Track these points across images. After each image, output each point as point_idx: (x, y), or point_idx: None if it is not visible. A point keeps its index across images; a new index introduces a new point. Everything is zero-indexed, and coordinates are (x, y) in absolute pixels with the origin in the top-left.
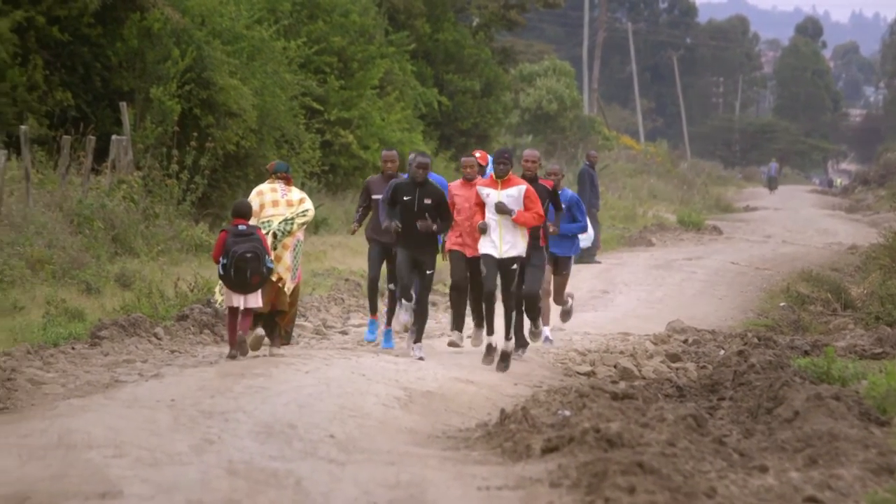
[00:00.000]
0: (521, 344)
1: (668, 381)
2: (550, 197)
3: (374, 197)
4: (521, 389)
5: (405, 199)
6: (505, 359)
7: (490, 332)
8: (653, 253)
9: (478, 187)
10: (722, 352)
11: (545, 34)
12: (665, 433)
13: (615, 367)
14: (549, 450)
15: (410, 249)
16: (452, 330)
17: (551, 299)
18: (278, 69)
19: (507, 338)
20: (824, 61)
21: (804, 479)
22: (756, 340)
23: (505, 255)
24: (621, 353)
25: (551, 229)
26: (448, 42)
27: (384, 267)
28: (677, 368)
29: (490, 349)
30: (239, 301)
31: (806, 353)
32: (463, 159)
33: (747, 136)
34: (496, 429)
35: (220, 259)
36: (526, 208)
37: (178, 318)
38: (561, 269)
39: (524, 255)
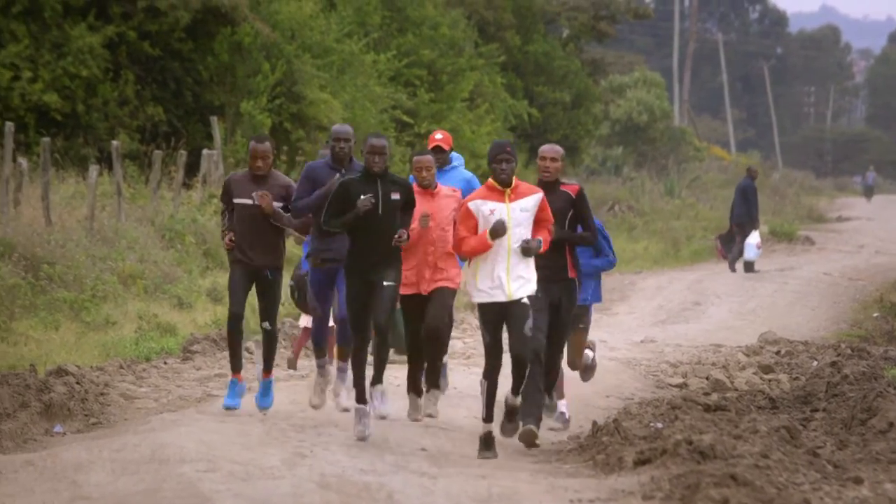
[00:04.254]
0: (534, 412)
1: (760, 392)
2: (576, 209)
3: (237, 201)
4: (613, 402)
5: (362, 198)
6: (512, 415)
7: (491, 418)
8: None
9: (472, 204)
10: (815, 363)
11: (635, 45)
12: (758, 445)
13: (707, 378)
14: (641, 462)
15: (364, 273)
16: (409, 392)
17: (564, 362)
18: (368, 82)
19: (515, 392)
20: None
21: None
22: (849, 351)
23: (516, 297)
24: (713, 364)
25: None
26: (538, 54)
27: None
28: (770, 380)
29: (490, 440)
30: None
31: None
32: (415, 157)
33: (839, 146)
34: (588, 441)
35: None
36: (538, 220)
37: None
38: (577, 321)
39: (534, 290)
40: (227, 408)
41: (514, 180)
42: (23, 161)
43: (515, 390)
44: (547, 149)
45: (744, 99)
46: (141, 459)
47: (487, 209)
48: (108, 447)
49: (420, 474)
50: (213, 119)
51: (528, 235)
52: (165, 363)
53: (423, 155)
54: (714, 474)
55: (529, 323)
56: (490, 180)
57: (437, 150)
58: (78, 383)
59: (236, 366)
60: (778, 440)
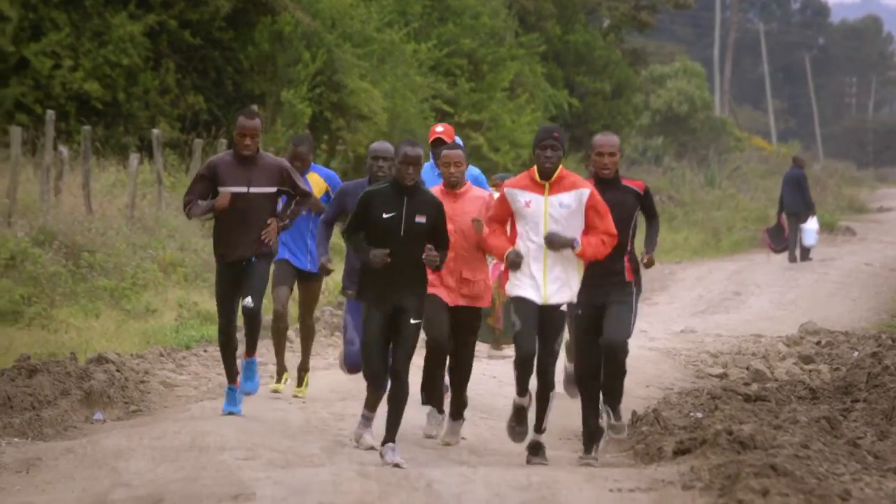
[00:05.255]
0: (595, 438)
1: (800, 383)
2: (643, 206)
3: (225, 189)
4: (653, 392)
5: (385, 216)
6: (537, 450)
7: (524, 391)
8: (785, 254)
9: (508, 190)
10: (856, 353)
11: (676, 35)
12: (798, 435)
13: (747, 368)
14: (681, 452)
15: (386, 297)
16: (426, 406)
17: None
18: (409, 72)
19: (538, 430)
20: None
21: None
22: (890, 342)
23: (552, 301)
24: (753, 354)
25: (645, 259)
26: (578, 43)
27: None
28: (810, 370)
29: (523, 413)
30: None
31: None
32: (444, 151)
33: (881, 137)
34: (628, 431)
35: None
36: (590, 227)
37: None
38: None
39: (576, 298)
40: (228, 413)
41: (561, 171)
42: (64, 149)
43: (538, 426)
44: (603, 141)
45: (785, 89)
46: (181, 447)
47: (523, 200)
48: (147, 435)
49: (459, 463)
50: (254, 108)
51: (577, 245)
52: (205, 351)
53: (453, 149)
54: (754, 464)
55: (562, 337)
56: (533, 168)
57: (439, 143)
58: (118, 371)
59: (232, 376)
60: (818, 431)
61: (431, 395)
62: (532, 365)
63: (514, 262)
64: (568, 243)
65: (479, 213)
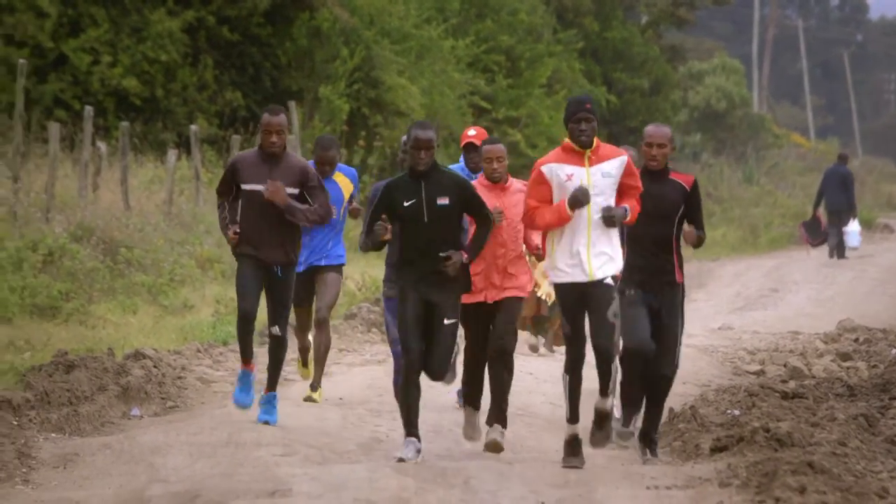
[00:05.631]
0: (634, 407)
1: (838, 380)
2: (688, 204)
3: (246, 186)
4: (690, 388)
5: (406, 204)
6: (603, 423)
7: (575, 418)
8: (823, 251)
9: (546, 167)
10: (894, 351)
11: (714, 31)
12: (836, 433)
13: (785, 366)
14: (718, 449)
15: (419, 288)
16: (465, 406)
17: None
18: (446, 68)
19: (605, 393)
20: None
21: None
22: None
23: (599, 276)
24: (791, 351)
25: (686, 230)
26: (616, 40)
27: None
28: (848, 367)
29: (576, 444)
30: None
31: None
32: (485, 147)
33: None
34: (665, 428)
35: None
36: (624, 189)
37: (347, 317)
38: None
39: (621, 269)
40: (240, 406)
41: (596, 141)
42: (102, 145)
43: (604, 390)
44: (654, 131)
45: (823, 86)
46: (217, 443)
47: (564, 174)
48: (184, 430)
49: (496, 460)
50: (292, 104)
51: (612, 204)
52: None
53: (495, 144)
54: (791, 462)
55: (615, 307)
56: (567, 140)
57: (471, 148)
58: (155, 367)
59: (247, 354)
60: (856, 428)
61: (471, 394)
62: (582, 365)
63: (582, 195)
64: (625, 215)
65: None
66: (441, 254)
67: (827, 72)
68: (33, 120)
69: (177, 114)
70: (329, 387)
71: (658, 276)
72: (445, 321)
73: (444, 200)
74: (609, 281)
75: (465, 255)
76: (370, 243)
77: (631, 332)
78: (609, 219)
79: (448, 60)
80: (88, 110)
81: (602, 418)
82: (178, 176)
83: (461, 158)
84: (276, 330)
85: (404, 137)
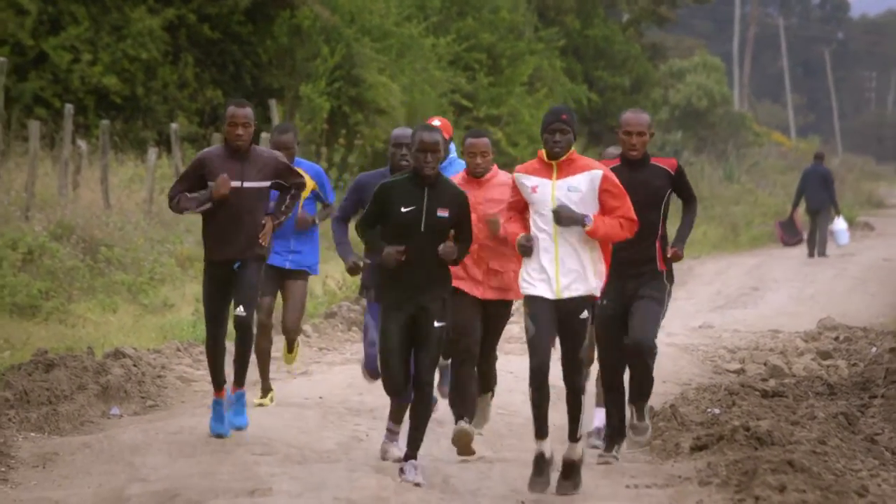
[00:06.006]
0: (617, 436)
1: (818, 378)
2: (676, 187)
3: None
4: (670, 387)
5: (403, 210)
6: (571, 473)
7: (543, 433)
8: (803, 249)
9: (517, 175)
10: (874, 349)
11: (695, 29)
12: (816, 431)
13: (765, 364)
14: (698, 448)
15: (406, 299)
16: (458, 421)
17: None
18: (427, 66)
19: (573, 438)
20: None
21: None
22: None
23: (566, 295)
24: (771, 350)
25: (670, 253)
26: (598, 38)
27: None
28: (828, 366)
29: (543, 462)
30: None
31: None
32: (468, 140)
33: None
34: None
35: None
36: (606, 210)
37: (327, 316)
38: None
39: (599, 292)
40: (216, 435)
41: (571, 153)
42: (82, 143)
43: (573, 434)
44: (631, 118)
45: (804, 84)
46: (197, 442)
47: (530, 185)
48: (164, 430)
49: (476, 459)
50: (272, 102)
51: (589, 221)
52: None
53: (479, 137)
54: (771, 460)
55: (585, 344)
56: (541, 151)
57: None
58: (135, 366)
59: (219, 381)
60: (836, 427)
61: (463, 407)
62: (547, 376)
63: (524, 247)
64: (578, 219)
65: (502, 204)
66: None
67: (808, 70)
68: (13, 118)
69: (157, 112)
70: (309, 386)
71: (639, 266)
72: (435, 324)
73: (444, 213)
74: (584, 315)
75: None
76: (371, 243)
77: (605, 350)
78: (556, 217)
79: (429, 58)
80: (69, 108)
81: (570, 469)
82: (158, 174)
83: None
84: (240, 311)
85: (395, 131)
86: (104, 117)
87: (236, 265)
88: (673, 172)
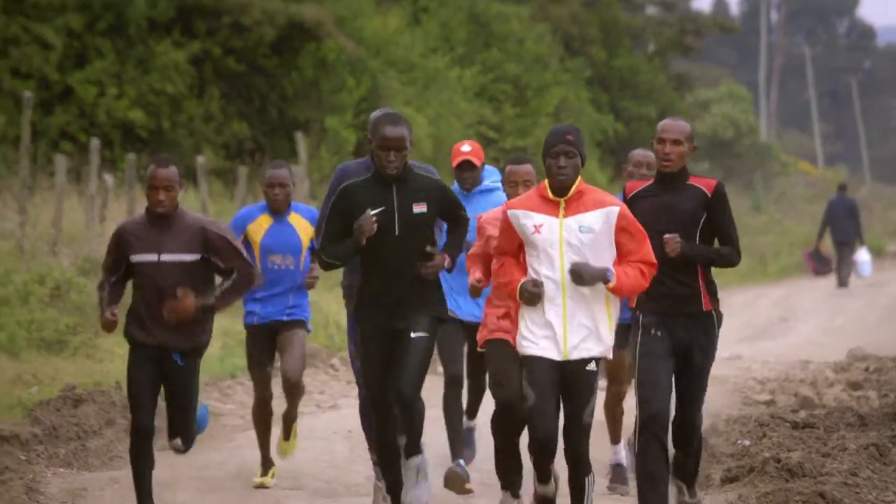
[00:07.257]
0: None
1: (849, 409)
2: (711, 213)
3: (136, 258)
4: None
5: (372, 211)
6: None
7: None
8: (832, 279)
9: (511, 212)
10: None
11: (721, 59)
12: (847, 463)
13: (795, 395)
14: (729, 480)
15: (382, 319)
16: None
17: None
18: (453, 97)
19: None
20: None
21: None
22: None
23: (575, 356)
24: (801, 381)
25: (667, 239)
26: (623, 68)
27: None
28: (859, 397)
29: None
30: None
31: None
32: (509, 167)
33: None
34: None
35: None
36: (622, 253)
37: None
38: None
39: (612, 353)
40: None
41: (580, 184)
42: (108, 177)
43: None
44: (668, 125)
45: (831, 113)
46: (226, 477)
47: (532, 224)
48: (193, 465)
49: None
50: (298, 135)
51: (612, 277)
52: (251, 380)
53: (522, 164)
54: (802, 492)
55: (593, 404)
56: (543, 183)
57: (467, 167)
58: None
59: (146, 493)
60: (867, 458)
61: (507, 476)
62: (553, 449)
63: (533, 294)
64: (601, 276)
65: None
66: (428, 249)
67: (835, 99)
68: (39, 153)
69: (183, 145)
70: (337, 419)
71: (681, 302)
72: (413, 334)
73: (421, 208)
74: (592, 367)
75: (448, 260)
76: (343, 253)
77: (649, 397)
78: (576, 275)
79: (455, 90)
80: (95, 143)
81: None
82: (185, 208)
83: (454, 180)
84: (178, 443)
85: (374, 113)
86: (130, 151)
87: (176, 358)
88: (710, 193)
